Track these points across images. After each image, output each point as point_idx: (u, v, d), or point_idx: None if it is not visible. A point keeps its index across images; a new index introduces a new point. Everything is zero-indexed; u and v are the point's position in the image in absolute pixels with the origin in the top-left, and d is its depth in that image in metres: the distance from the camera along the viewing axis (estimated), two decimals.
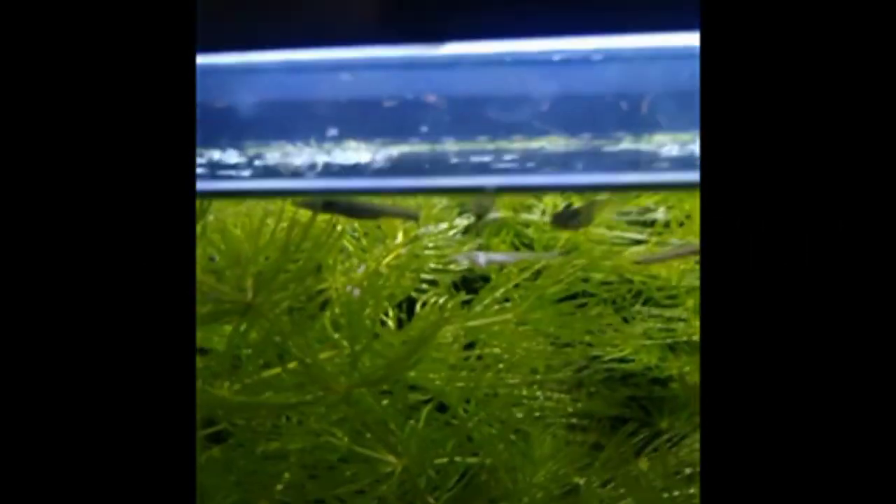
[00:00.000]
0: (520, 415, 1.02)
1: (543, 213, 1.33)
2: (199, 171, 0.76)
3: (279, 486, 0.85)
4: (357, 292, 0.98)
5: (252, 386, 0.81)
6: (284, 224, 0.85)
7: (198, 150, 0.76)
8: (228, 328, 0.96)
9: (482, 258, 1.20)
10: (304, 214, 0.85)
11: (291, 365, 0.81)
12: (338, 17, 0.67)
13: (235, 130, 0.71)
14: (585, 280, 1.20)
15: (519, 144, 0.73)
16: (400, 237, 1.17)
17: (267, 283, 0.78)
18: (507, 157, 0.74)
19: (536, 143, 0.73)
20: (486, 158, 0.75)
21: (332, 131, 0.73)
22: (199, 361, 0.88)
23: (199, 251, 0.88)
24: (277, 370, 0.81)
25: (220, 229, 0.83)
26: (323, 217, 0.88)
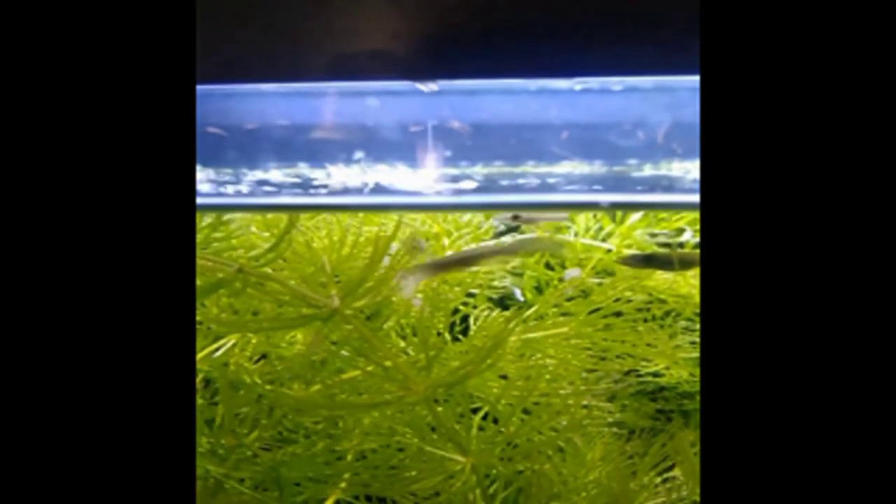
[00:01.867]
0: (564, 422, 1.08)
1: (576, 234, 1.41)
2: (269, 188, 0.83)
3: (345, 483, 0.91)
4: (418, 303, 1.04)
5: (333, 386, 0.87)
6: (362, 238, 0.92)
7: (280, 169, 0.84)
8: (293, 333, 1.03)
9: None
10: (382, 232, 0.92)
11: (370, 368, 0.87)
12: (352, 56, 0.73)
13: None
14: (619, 300, 1.28)
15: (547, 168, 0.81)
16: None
17: (351, 291, 0.85)
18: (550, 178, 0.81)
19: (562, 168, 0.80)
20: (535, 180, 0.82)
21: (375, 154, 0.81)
22: (278, 364, 0.95)
23: (281, 262, 0.95)
24: (357, 372, 0.88)
25: (306, 241, 0.90)
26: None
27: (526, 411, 1.05)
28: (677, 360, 1.28)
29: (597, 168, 0.83)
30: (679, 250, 1.29)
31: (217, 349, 1.01)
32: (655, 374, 1.29)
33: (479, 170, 0.82)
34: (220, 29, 0.71)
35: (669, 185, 0.85)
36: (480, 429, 0.99)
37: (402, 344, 0.97)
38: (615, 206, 1.26)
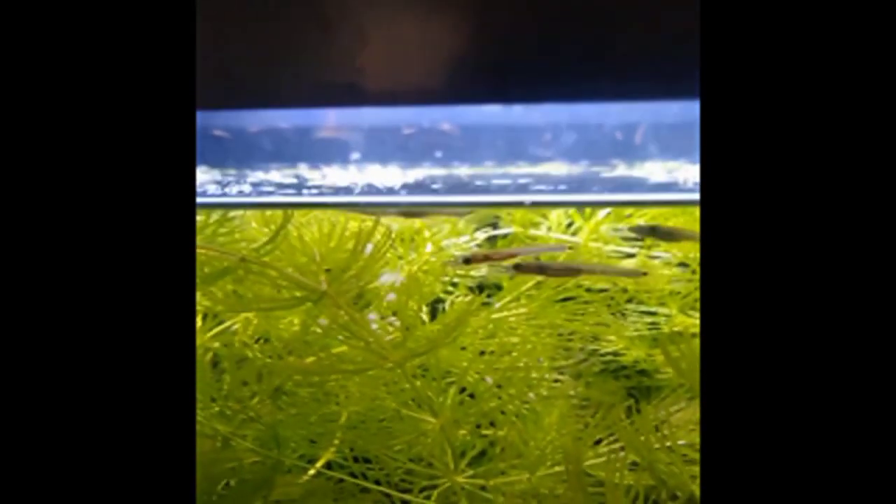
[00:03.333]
0: (531, 395, 1.22)
1: (549, 228, 1.55)
2: (271, 189, 0.95)
3: (335, 446, 1.07)
4: (392, 296, 1.19)
5: (323, 358, 1.02)
6: (347, 233, 1.07)
7: (279, 171, 0.96)
8: (291, 317, 1.17)
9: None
10: (365, 225, 1.07)
11: (354, 343, 1.02)
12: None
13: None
14: (580, 286, 1.42)
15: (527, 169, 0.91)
16: (430, 247, 1.39)
17: (336, 277, 1.00)
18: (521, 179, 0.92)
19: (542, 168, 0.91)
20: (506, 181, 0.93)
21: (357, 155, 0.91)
22: (278, 343, 1.10)
23: (279, 253, 1.10)
24: (343, 347, 1.03)
25: (299, 236, 1.05)
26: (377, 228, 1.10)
27: (499, 386, 1.19)
28: (635, 341, 1.42)
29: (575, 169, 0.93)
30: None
31: (223, 330, 1.16)
32: (616, 354, 1.44)
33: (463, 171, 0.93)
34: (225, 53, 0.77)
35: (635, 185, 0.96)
36: (460, 403, 1.14)
37: (384, 324, 1.12)
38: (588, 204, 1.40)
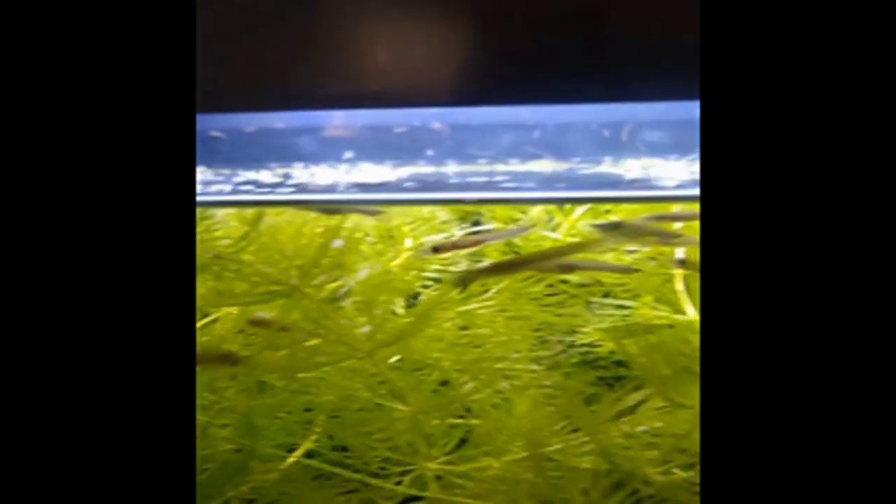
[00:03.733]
0: (505, 384, 1.26)
1: (533, 225, 1.58)
2: (248, 187, 0.99)
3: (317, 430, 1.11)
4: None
5: (296, 351, 1.06)
6: (319, 229, 1.11)
7: (255, 171, 0.99)
8: (270, 311, 1.21)
9: None
10: (336, 221, 1.11)
11: (329, 336, 1.06)
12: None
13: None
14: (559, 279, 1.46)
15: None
16: (410, 242, 1.43)
17: (307, 272, 1.04)
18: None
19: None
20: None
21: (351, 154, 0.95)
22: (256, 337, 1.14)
23: (254, 248, 1.14)
24: (317, 340, 1.07)
25: (272, 232, 1.09)
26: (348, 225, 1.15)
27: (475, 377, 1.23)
28: (609, 333, 1.46)
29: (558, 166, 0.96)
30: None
31: (204, 325, 1.20)
32: (591, 345, 1.47)
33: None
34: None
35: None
36: (434, 391, 1.18)
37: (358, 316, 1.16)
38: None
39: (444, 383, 1.19)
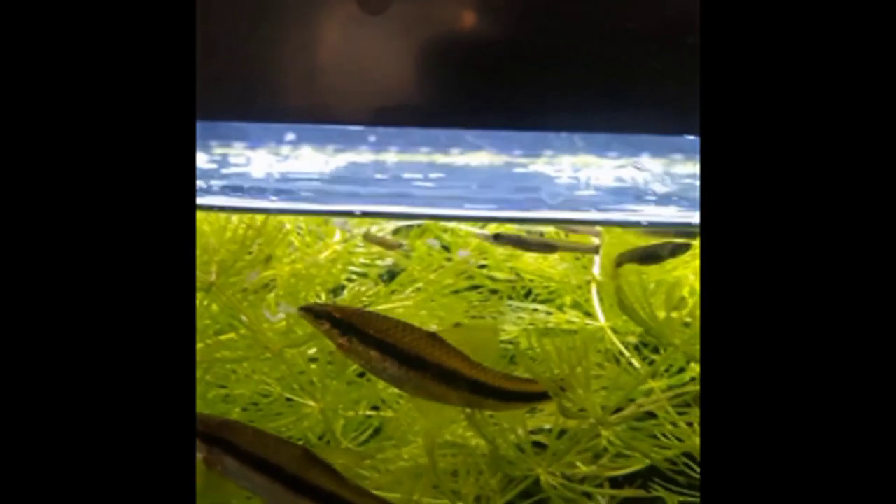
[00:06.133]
0: None
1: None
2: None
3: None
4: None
5: (212, 346, 1.10)
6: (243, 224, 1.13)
7: None
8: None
9: None
10: (259, 217, 1.14)
11: (242, 331, 1.09)
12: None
13: None
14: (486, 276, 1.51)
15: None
16: (338, 235, 1.46)
17: (227, 268, 1.07)
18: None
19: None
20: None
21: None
22: None
23: None
24: (232, 335, 1.10)
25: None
26: (275, 217, 1.18)
27: None
28: (530, 331, 1.51)
29: None
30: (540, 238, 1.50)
31: None
32: (511, 342, 1.53)
33: None
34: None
35: None
36: (350, 382, 1.22)
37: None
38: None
39: (362, 375, 1.24)
